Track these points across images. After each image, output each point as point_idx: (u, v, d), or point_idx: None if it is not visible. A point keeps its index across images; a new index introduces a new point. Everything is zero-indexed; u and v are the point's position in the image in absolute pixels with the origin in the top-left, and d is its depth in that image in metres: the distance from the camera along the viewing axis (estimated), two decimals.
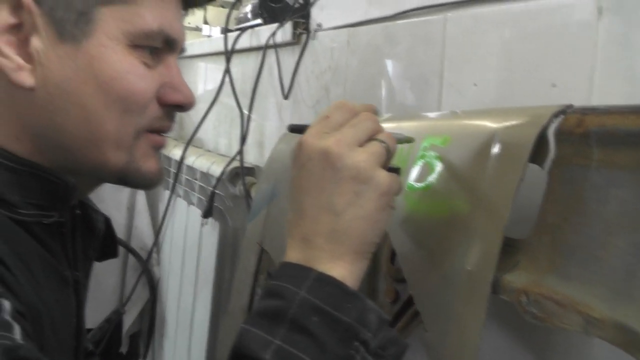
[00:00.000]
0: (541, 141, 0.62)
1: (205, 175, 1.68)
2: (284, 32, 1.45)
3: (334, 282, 0.60)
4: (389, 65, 1.09)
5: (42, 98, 0.66)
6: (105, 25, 0.66)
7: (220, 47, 1.79)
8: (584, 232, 0.57)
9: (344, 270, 0.61)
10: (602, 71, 0.74)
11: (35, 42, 0.65)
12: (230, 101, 1.75)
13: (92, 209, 0.80)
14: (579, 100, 0.75)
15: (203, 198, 1.70)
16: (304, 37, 1.41)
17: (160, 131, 0.73)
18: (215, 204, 1.59)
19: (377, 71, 1.13)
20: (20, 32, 0.65)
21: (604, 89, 0.74)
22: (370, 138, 0.64)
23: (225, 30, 1.65)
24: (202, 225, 1.66)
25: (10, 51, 0.65)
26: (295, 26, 1.43)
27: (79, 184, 0.72)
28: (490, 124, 0.68)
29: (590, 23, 0.75)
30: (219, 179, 1.50)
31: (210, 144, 2.00)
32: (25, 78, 0.65)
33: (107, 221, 0.82)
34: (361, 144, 0.63)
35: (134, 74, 0.68)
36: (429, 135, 0.75)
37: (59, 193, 0.70)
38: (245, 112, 1.49)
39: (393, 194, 0.63)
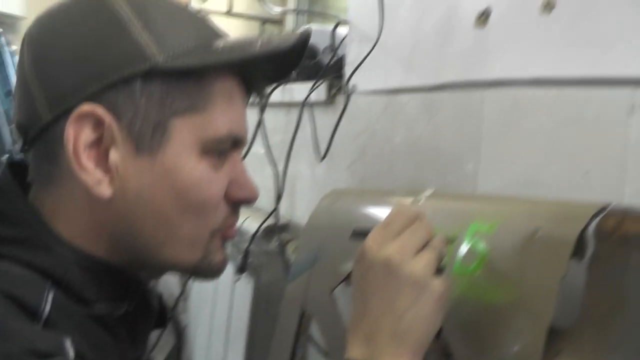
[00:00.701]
0: (582, 238, 0.67)
1: (238, 230, 1.71)
2: (318, 91, 1.50)
3: None
4: (428, 135, 1.14)
5: (120, 207, 0.70)
6: (180, 135, 0.70)
7: (250, 99, 1.84)
8: (628, 330, 0.62)
9: None
10: (634, 164, 0.78)
11: (114, 155, 0.69)
12: (259, 149, 1.80)
13: (148, 289, 0.83)
14: (611, 189, 0.80)
15: (235, 252, 1.74)
16: (337, 97, 1.47)
17: (230, 226, 0.78)
18: (249, 260, 1.63)
19: (415, 139, 1.18)
20: (100, 146, 0.69)
21: (636, 182, 0.78)
22: (425, 245, 0.71)
23: (266, 98, 1.70)
24: (236, 281, 1.69)
25: (90, 165, 0.68)
26: (330, 86, 1.48)
27: (148, 275, 0.79)
28: (534, 218, 0.73)
29: (623, 118, 0.79)
30: (253, 236, 1.55)
31: None
32: (104, 190, 0.69)
33: (160, 298, 0.86)
34: (418, 251, 0.70)
35: (206, 181, 0.72)
36: (475, 219, 0.80)
37: (130, 287, 0.75)
38: (280, 168, 1.53)
39: (447, 297, 0.69)
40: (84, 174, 0.68)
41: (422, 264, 0.69)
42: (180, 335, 2.09)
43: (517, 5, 0.97)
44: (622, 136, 0.80)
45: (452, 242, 0.76)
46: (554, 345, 0.67)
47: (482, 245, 0.77)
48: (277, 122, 1.76)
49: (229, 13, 2.48)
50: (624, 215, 0.65)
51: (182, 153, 0.71)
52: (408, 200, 0.97)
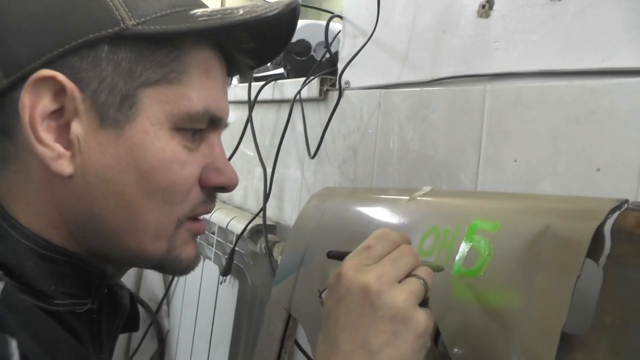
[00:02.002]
0: (597, 237, 0.61)
1: (223, 231, 1.65)
2: (310, 88, 1.45)
3: None
4: (424, 132, 1.09)
5: (80, 186, 0.63)
6: (149, 109, 0.63)
7: (240, 96, 1.78)
8: None
9: None
10: None
11: (76, 128, 0.62)
12: (247, 150, 1.73)
13: (118, 285, 0.76)
14: (625, 188, 0.74)
15: (220, 253, 1.67)
16: (330, 93, 1.41)
17: (201, 215, 0.71)
18: (234, 261, 1.57)
19: (411, 137, 1.12)
20: (60, 117, 0.62)
21: None
22: (409, 273, 0.63)
23: (250, 80, 1.65)
24: (221, 282, 1.63)
25: (49, 138, 0.61)
26: (322, 82, 1.42)
27: (114, 269, 0.70)
28: (543, 215, 0.66)
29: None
30: (239, 237, 1.48)
31: (224, 194, 1.97)
32: (64, 166, 0.62)
33: (132, 296, 0.79)
34: (401, 280, 0.62)
35: (177, 162, 0.65)
36: (476, 217, 0.73)
37: (94, 281, 0.67)
38: (269, 168, 1.47)
39: (429, 334, 0.61)
40: (41, 148, 0.61)
41: (404, 294, 0.60)
42: (162, 341, 2.02)
43: None
44: (638, 130, 0.74)
45: (439, 270, 0.68)
46: (566, 355, 0.61)
47: (484, 244, 0.71)
48: (266, 120, 1.70)
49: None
50: None
51: (151, 129, 0.63)
52: (403, 199, 0.91)
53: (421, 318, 0.60)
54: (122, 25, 0.61)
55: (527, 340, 0.62)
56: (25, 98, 0.60)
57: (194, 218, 0.70)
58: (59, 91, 0.61)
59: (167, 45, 0.64)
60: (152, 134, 0.63)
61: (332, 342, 0.62)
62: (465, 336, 0.69)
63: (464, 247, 0.73)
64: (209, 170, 0.69)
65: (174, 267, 0.70)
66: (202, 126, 0.68)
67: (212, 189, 0.70)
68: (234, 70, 0.75)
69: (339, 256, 0.68)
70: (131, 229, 0.65)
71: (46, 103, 0.61)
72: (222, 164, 0.70)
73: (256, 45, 0.71)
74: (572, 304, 0.60)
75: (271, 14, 0.65)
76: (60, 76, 0.60)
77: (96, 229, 0.65)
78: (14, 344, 0.53)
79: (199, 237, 0.75)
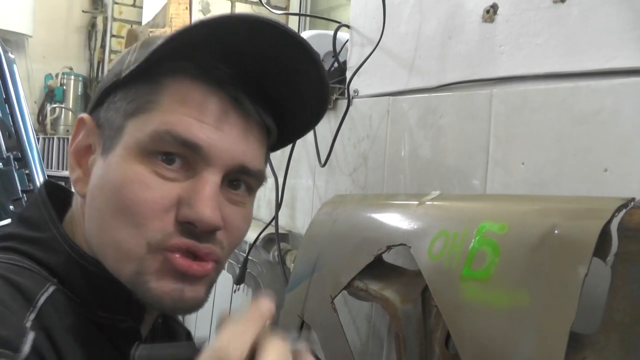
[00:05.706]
0: (604, 235, 0.61)
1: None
2: None
3: None
4: (432, 137, 1.09)
5: (86, 205, 0.73)
6: (126, 136, 0.70)
7: None
8: None
9: None
10: None
11: (91, 158, 0.74)
12: None
13: (175, 320, 0.82)
14: (633, 187, 0.75)
15: (233, 262, 1.68)
16: (339, 102, 1.42)
17: (179, 251, 0.68)
18: (247, 270, 1.57)
19: (420, 143, 1.13)
20: (88, 150, 0.75)
21: None
22: None
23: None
24: (235, 291, 1.64)
25: (77, 165, 0.75)
26: (331, 91, 1.43)
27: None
28: (549, 215, 0.67)
29: None
30: (252, 246, 1.49)
31: None
32: (82, 188, 0.73)
33: (189, 335, 0.84)
34: None
35: (138, 184, 0.67)
36: (485, 219, 0.74)
37: (131, 299, 0.69)
38: (280, 178, 1.48)
39: None
40: (74, 173, 0.74)
41: None
42: None
43: None
44: None
45: None
46: (576, 354, 0.61)
47: (492, 246, 0.71)
48: None
49: None
50: None
51: (122, 153, 0.69)
52: (413, 204, 0.91)
53: None
54: (121, 75, 0.71)
55: (536, 340, 0.62)
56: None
57: (177, 251, 0.68)
58: (90, 129, 0.75)
59: (146, 82, 0.71)
60: (122, 157, 0.69)
61: None
62: (475, 337, 0.69)
63: (473, 248, 0.73)
64: (183, 204, 0.68)
65: (144, 295, 0.68)
66: (172, 149, 0.68)
67: (184, 223, 0.68)
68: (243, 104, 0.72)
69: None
70: (107, 247, 0.70)
71: (84, 137, 0.76)
72: (197, 199, 0.67)
73: (232, 65, 0.70)
74: (580, 304, 0.60)
75: (228, 18, 0.65)
76: (86, 116, 0.76)
77: (94, 244, 0.72)
78: (30, 337, 0.58)
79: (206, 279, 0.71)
